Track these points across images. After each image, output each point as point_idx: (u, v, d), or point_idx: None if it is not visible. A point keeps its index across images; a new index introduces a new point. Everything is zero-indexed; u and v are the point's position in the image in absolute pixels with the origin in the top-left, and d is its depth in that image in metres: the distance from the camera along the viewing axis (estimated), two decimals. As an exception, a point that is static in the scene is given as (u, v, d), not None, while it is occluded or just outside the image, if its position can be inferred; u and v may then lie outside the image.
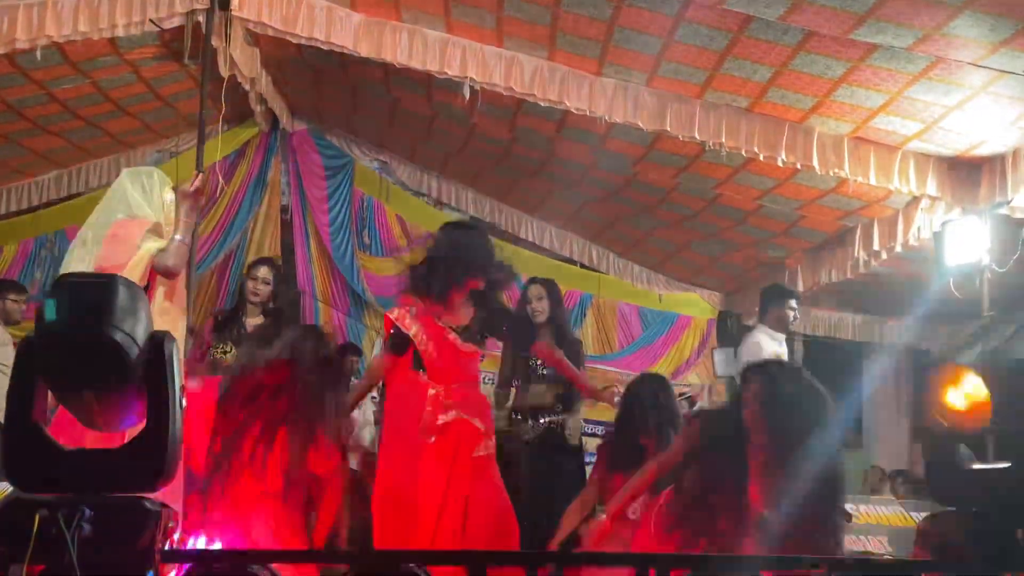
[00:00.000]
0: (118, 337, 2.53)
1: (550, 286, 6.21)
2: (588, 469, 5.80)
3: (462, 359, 4.67)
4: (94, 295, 2.58)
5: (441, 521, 4.40)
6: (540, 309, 5.99)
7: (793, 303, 6.88)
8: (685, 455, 4.01)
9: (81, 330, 2.55)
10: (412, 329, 4.60)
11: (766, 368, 4.02)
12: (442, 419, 4.52)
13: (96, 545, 2.46)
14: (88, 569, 2.40)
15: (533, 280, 6.33)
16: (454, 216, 9.01)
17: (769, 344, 6.69)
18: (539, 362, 5.82)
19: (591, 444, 7.33)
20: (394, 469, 4.53)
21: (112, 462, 2.69)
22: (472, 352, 4.71)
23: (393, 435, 4.63)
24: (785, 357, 6.69)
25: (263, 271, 6.10)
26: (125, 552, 2.51)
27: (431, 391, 4.56)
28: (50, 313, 2.57)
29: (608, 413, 8.47)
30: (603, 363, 9.87)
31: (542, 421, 5.81)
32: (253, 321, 5.87)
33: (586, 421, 6.97)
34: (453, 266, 4.61)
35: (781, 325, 6.82)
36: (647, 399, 4.95)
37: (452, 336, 4.65)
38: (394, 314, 4.71)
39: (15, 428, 2.62)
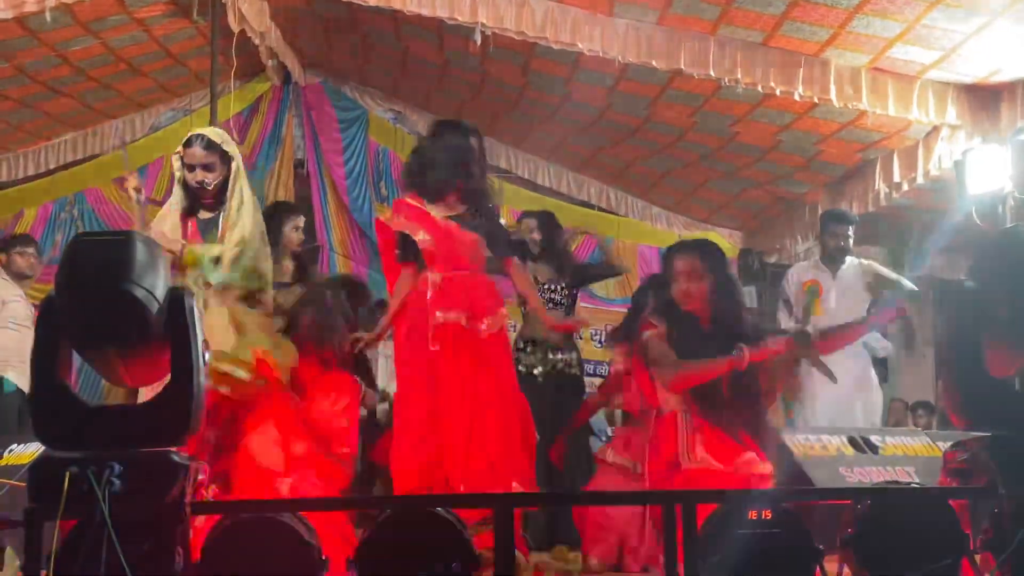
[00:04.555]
0: (138, 293, 2.55)
1: (542, 217, 6.05)
2: None
3: (462, 244, 4.41)
4: (112, 252, 2.60)
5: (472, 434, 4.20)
6: (534, 241, 5.85)
7: (835, 227, 6.47)
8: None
9: (101, 287, 2.57)
10: (400, 221, 4.43)
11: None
12: (441, 316, 4.28)
13: (126, 499, 2.49)
14: (119, 523, 2.44)
15: (526, 214, 6.23)
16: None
17: (798, 275, 6.52)
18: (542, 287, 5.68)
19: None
20: (412, 382, 4.33)
21: (138, 418, 2.72)
22: (472, 239, 4.43)
23: (406, 342, 4.41)
24: (825, 284, 6.37)
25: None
26: (155, 505, 2.54)
27: (431, 277, 4.35)
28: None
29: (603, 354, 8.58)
30: (625, 306, 9.86)
31: (550, 357, 5.74)
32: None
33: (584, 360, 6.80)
34: (442, 162, 4.40)
35: (832, 252, 6.45)
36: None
37: (447, 222, 4.41)
38: (384, 216, 4.59)
39: (42, 388, 2.65)
